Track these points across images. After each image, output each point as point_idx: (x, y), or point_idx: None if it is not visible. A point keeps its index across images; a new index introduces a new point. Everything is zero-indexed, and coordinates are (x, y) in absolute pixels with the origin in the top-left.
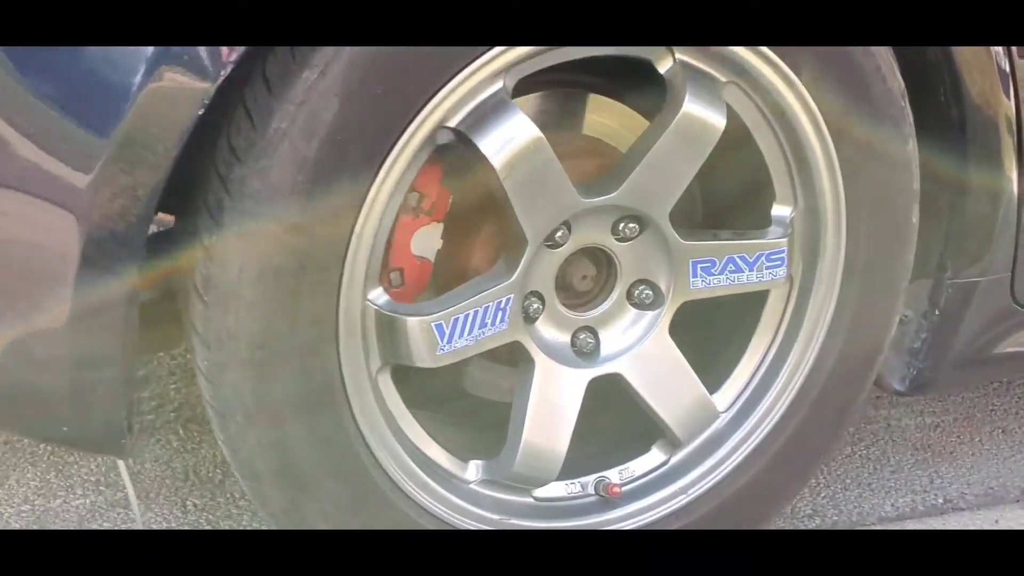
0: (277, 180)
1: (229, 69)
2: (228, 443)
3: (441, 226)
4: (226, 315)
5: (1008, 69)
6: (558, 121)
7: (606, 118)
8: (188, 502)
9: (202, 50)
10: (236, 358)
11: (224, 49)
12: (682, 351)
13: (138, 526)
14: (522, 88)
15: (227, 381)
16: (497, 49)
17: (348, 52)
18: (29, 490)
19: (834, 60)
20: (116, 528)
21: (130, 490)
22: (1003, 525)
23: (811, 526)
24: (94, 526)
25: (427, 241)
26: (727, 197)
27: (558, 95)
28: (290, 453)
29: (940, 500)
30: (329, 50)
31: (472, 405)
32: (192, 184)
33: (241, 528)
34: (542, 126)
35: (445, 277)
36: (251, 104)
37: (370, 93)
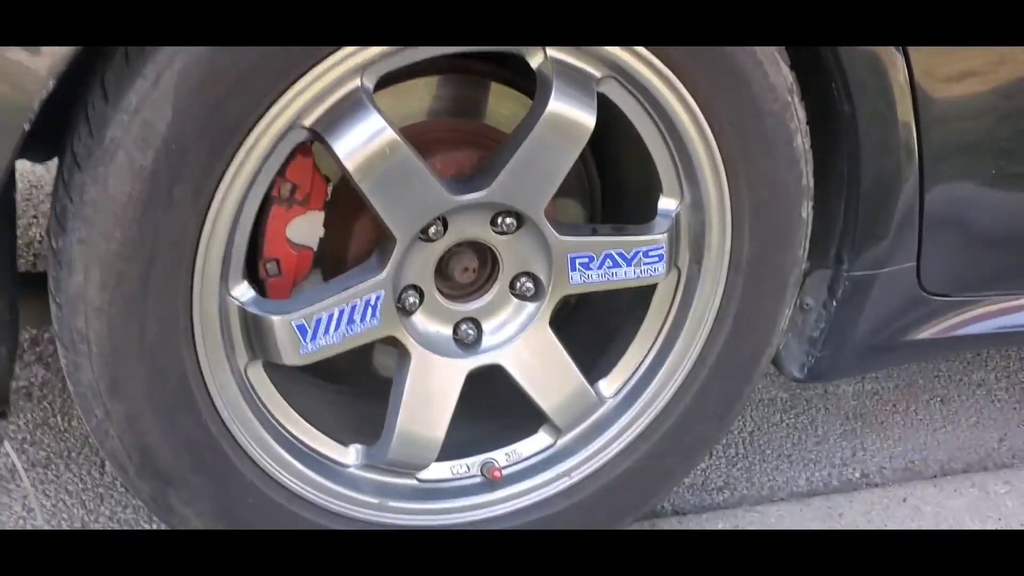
0: (114, 188)
1: (52, 83)
2: (94, 434)
3: (321, 214)
4: (75, 318)
5: (905, 62)
6: (459, 107)
7: (507, 107)
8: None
9: (26, 61)
10: (88, 359)
11: (48, 60)
12: (574, 338)
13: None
14: (426, 70)
15: (83, 380)
16: (349, 48)
17: (180, 61)
18: None
19: (708, 55)
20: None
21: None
22: (911, 504)
23: (720, 499)
24: None
25: (306, 229)
26: (624, 190)
27: (461, 80)
28: (150, 450)
29: (857, 474)
30: (161, 58)
31: (372, 385)
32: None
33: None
34: (440, 111)
35: (331, 263)
36: (90, 112)
37: (208, 97)
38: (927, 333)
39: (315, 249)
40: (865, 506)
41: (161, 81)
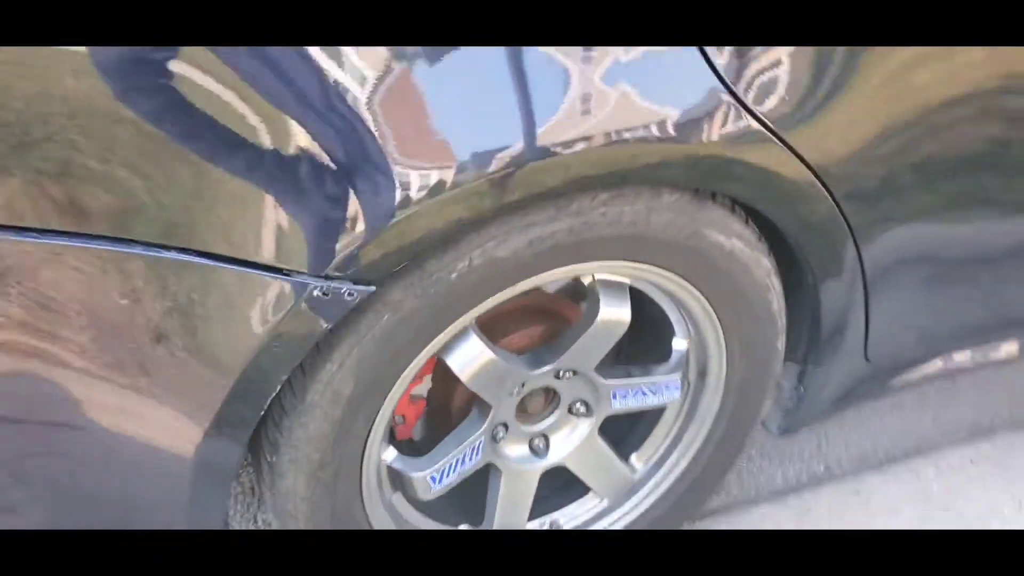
0: (314, 430)
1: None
2: None
3: (428, 378)
4: (287, 504)
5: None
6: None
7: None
8: None
9: None
10: (296, 523)
11: None
12: (615, 425)
13: None
14: None
15: (288, 509)
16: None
17: (357, 351)
18: None
19: (710, 270)
20: None
21: None
22: (863, 496)
23: (717, 503)
24: None
25: (421, 388)
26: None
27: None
28: None
29: (822, 468)
30: (345, 347)
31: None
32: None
33: None
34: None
35: (435, 407)
36: (293, 381)
37: (378, 369)
38: (870, 392)
39: (426, 398)
40: (828, 500)
41: (344, 364)
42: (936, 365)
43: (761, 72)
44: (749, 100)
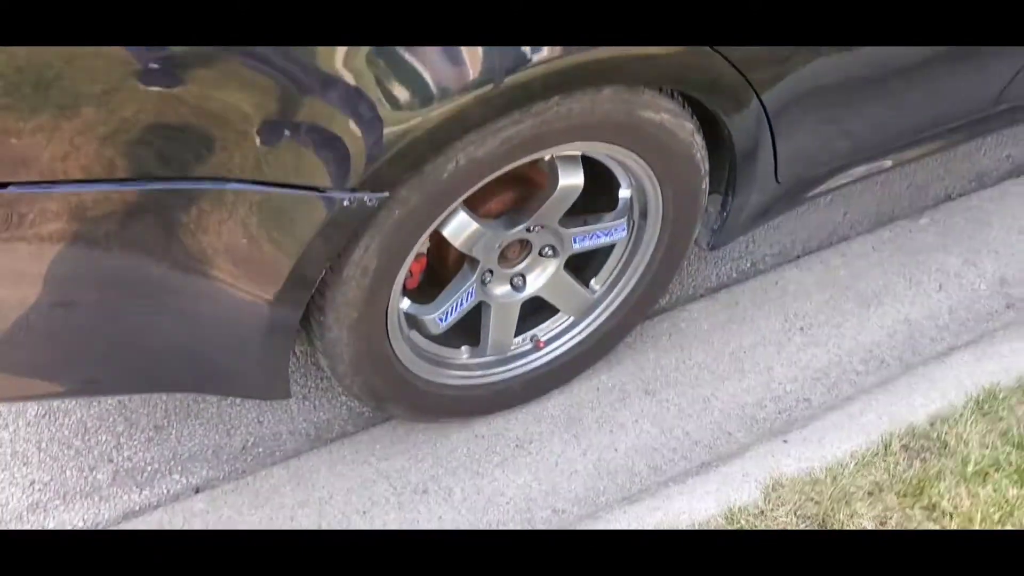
0: (351, 294)
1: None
2: (344, 388)
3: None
4: (335, 347)
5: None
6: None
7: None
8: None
9: None
10: (343, 360)
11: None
12: (577, 259)
13: None
14: None
15: (338, 368)
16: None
17: (377, 241)
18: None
19: (646, 142)
20: None
21: None
22: (781, 286)
23: (663, 303)
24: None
25: (420, 247)
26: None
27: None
28: (375, 387)
29: (748, 265)
30: (370, 233)
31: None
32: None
33: None
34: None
35: (434, 258)
36: (333, 262)
37: (393, 252)
38: (782, 206)
39: (426, 254)
40: (752, 292)
41: (369, 248)
42: (836, 178)
43: None
44: None
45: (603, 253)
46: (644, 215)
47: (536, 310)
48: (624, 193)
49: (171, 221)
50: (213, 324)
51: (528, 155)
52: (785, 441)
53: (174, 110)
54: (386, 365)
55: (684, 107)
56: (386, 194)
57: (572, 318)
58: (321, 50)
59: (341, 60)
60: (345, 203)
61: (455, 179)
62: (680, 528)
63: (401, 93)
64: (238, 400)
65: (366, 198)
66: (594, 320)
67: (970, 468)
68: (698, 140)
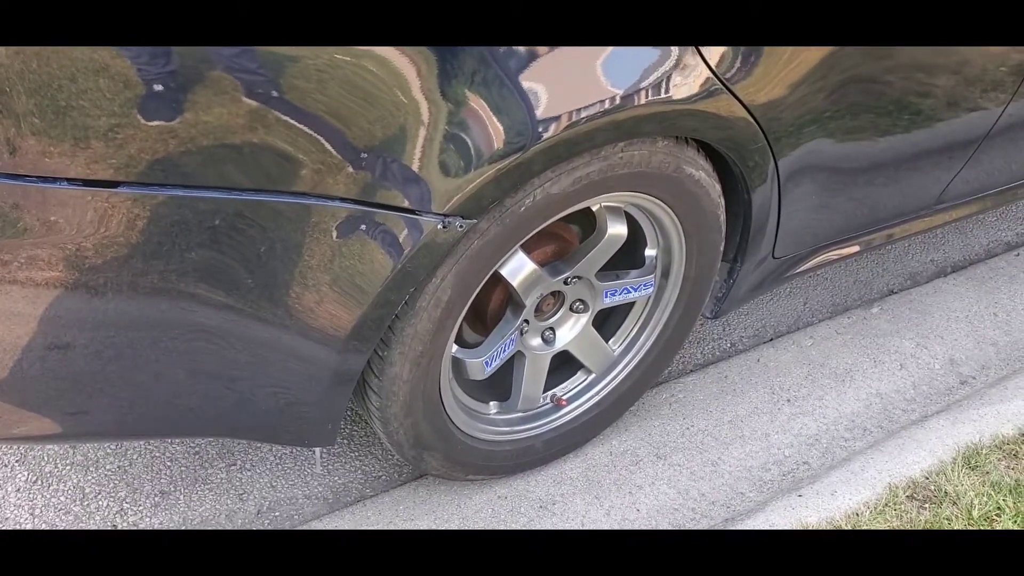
0: (420, 329)
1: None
2: (387, 436)
3: None
4: (392, 386)
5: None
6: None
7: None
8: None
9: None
10: (396, 401)
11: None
12: (598, 323)
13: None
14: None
15: (390, 410)
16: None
17: (443, 292)
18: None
19: (684, 197)
20: None
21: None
22: (762, 363)
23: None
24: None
25: None
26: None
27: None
28: (421, 435)
29: (728, 345)
30: (430, 289)
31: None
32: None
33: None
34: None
35: (479, 316)
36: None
37: (462, 281)
38: (773, 281)
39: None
40: (738, 368)
41: (445, 278)
42: (818, 259)
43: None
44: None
45: (623, 313)
46: (666, 275)
47: (555, 369)
48: (650, 252)
49: (264, 240)
50: (277, 361)
51: (592, 197)
52: (800, 495)
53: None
54: (435, 410)
55: (714, 170)
56: (475, 221)
57: (591, 377)
58: (430, 68)
59: (449, 84)
60: (439, 226)
61: (529, 214)
62: None
63: (504, 124)
64: (247, 465)
65: (457, 223)
66: (612, 380)
67: (975, 513)
68: (722, 202)
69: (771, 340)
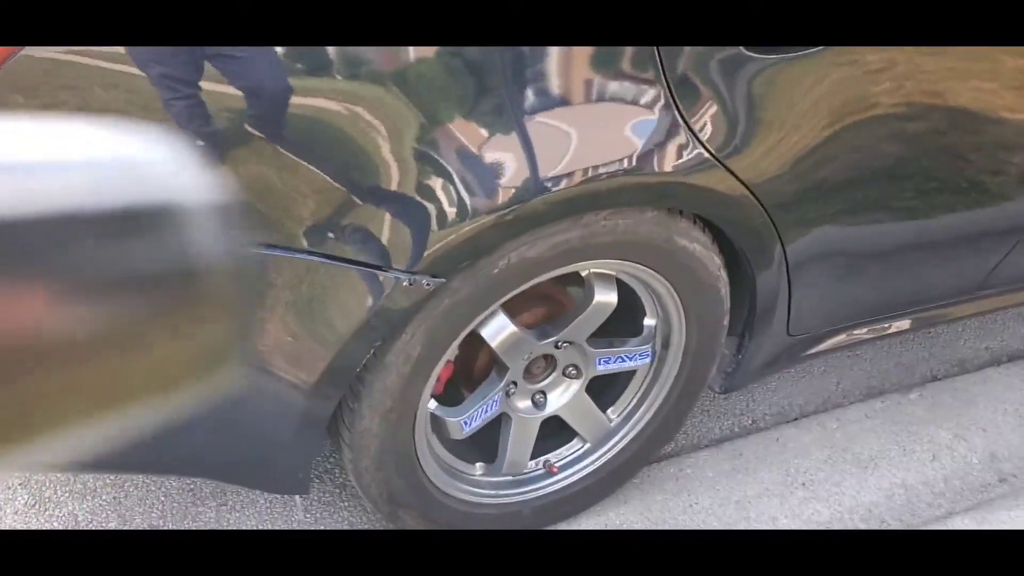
0: (388, 384)
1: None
2: (361, 488)
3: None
4: (364, 439)
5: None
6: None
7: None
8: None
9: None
10: (368, 456)
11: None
12: (595, 384)
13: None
14: None
15: (362, 463)
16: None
17: (411, 348)
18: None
19: (678, 269)
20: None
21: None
22: (781, 442)
23: (669, 450)
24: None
25: (449, 354)
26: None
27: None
28: (394, 491)
29: (749, 421)
30: (399, 346)
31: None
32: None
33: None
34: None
35: (462, 366)
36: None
37: (433, 338)
38: (790, 358)
39: (455, 361)
40: (754, 446)
41: (415, 335)
42: (840, 338)
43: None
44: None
45: (622, 382)
46: (666, 345)
47: (550, 435)
48: (649, 321)
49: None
50: (248, 408)
51: (573, 263)
52: None
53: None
54: (408, 466)
55: (713, 243)
56: (443, 280)
57: (586, 446)
58: (399, 125)
59: (416, 139)
60: (405, 283)
61: (504, 277)
62: None
63: (472, 186)
64: (237, 506)
65: (424, 281)
66: (608, 450)
67: None
68: (724, 276)
69: (795, 420)
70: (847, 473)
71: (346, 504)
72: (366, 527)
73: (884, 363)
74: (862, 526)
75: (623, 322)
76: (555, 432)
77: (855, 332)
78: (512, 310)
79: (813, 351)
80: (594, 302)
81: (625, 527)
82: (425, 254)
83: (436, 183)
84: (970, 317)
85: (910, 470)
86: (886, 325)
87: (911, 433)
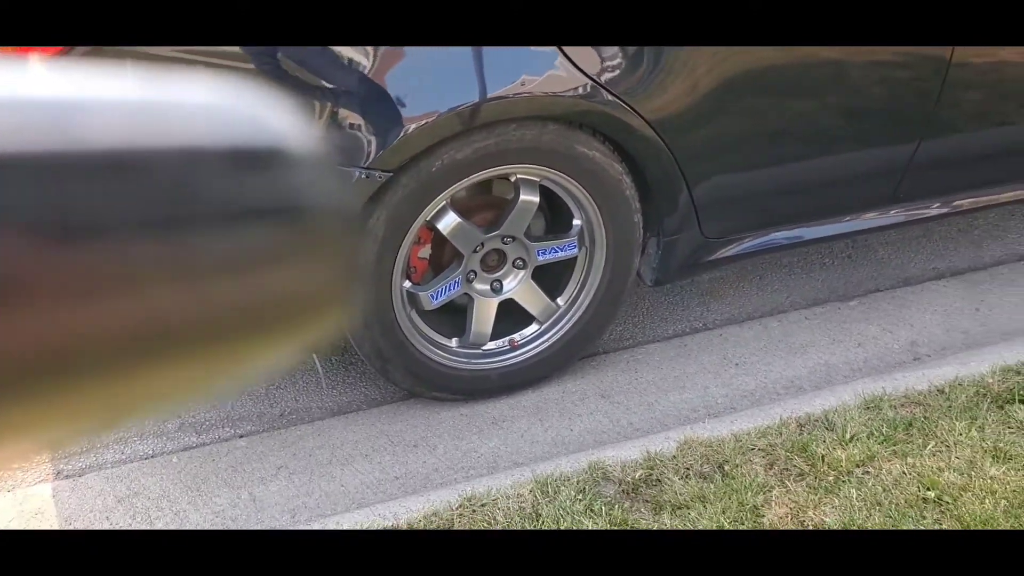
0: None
1: None
2: (359, 347)
3: (429, 246)
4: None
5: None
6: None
7: (502, 189)
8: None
9: None
10: (356, 315)
11: None
12: (548, 280)
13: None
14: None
15: (357, 327)
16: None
17: (389, 207)
18: None
19: (584, 173)
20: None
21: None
22: (723, 338)
23: (625, 343)
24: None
25: (423, 252)
26: (557, 216)
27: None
28: (381, 350)
29: (700, 324)
30: (379, 209)
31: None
32: None
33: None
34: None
35: (434, 264)
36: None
37: (399, 223)
38: (711, 257)
39: (427, 259)
40: (699, 340)
41: (380, 218)
42: (757, 241)
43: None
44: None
45: (566, 276)
46: (593, 241)
47: (515, 324)
48: (576, 221)
49: None
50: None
51: (494, 167)
52: (704, 423)
53: None
54: (390, 328)
55: (613, 152)
56: (391, 173)
57: (541, 328)
58: (365, 60)
59: (370, 64)
60: (360, 176)
61: (441, 174)
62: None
63: (411, 102)
64: (281, 384)
65: (377, 175)
66: (559, 330)
67: (847, 435)
68: (627, 180)
69: (741, 322)
70: (778, 356)
71: (359, 379)
72: (375, 397)
73: (833, 281)
74: (782, 391)
75: (560, 224)
76: (519, 322)
77: (771, 236)
78: (465, 211)
79: (732, 252)
80: (520, 201)
81: (579, 392)
82: (374, 152)
83: (385, 102)
84: (887, 229)
85: (835, 354)
86: (799, 234)
87: (844, 329)
